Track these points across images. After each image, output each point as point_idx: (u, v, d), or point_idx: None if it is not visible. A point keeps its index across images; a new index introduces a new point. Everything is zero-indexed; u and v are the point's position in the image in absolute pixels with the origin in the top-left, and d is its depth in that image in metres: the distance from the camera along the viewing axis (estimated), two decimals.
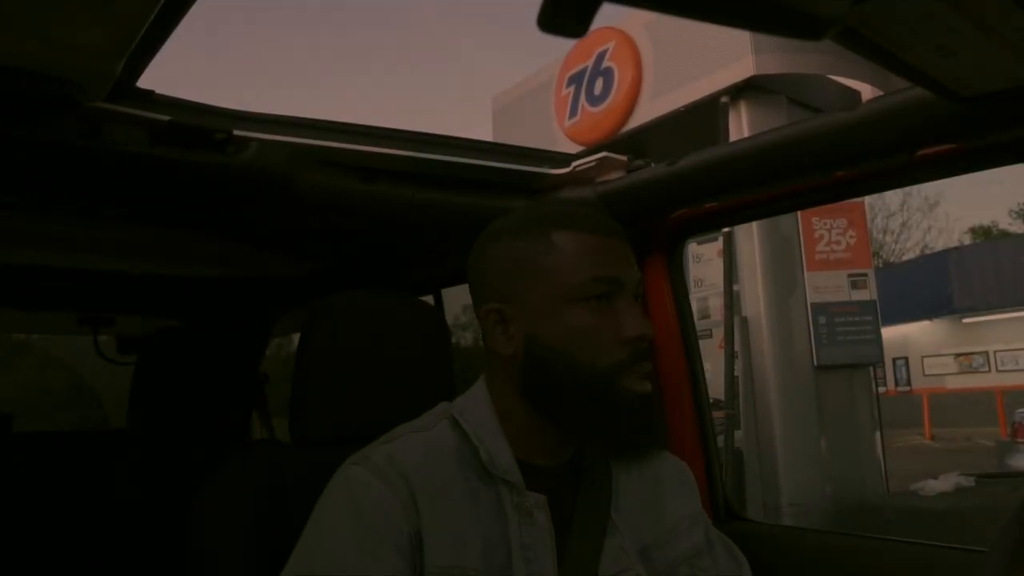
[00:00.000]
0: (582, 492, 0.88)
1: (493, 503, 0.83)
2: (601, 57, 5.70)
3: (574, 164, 1.34)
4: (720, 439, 4.39)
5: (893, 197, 25.67)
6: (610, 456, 0.92)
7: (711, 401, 1.55)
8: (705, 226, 1.46)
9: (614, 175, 1.34)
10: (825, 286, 5.11)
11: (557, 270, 0.84)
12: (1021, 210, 27.97)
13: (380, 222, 1.33)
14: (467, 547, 0.79)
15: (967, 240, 26.50)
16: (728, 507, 1.44)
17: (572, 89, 5.95)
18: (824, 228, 5.16)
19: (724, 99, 4.99)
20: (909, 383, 18.30)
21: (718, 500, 1.43)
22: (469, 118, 37.35)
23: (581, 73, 5.90)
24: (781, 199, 1.25)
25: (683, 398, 1.46)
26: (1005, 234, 25.25)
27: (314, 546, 0.77)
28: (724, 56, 4.87)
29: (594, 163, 1.31)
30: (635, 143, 5.47)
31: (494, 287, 0.87)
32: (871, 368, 5.39)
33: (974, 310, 16.74)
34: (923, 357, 18.16)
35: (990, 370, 17.11)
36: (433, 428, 0.87)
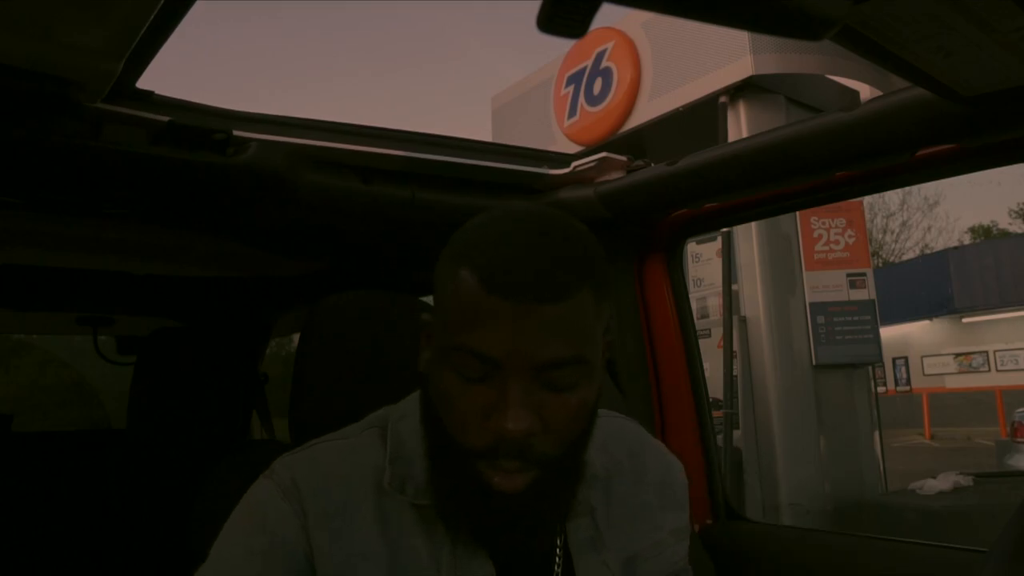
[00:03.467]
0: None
1: (418, 525, 0.74)
2: (600, 57, 5.69)
3: (574, 164, 1.34)
4: (719, 438, 4.39)
5: (893, 197, 25.73)
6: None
7: (710, 400, 1.55)
8: (705, 226, 1.46)
9: (614, 175, 1.34)
10: (824, 285, 5.11)
11: (445, 316, 0.69)
12: (1021, 210, 27.98)
13: (380, 222, 1.33)
14: (360, 573, 0.71)
15: (967, 240, 26.52)
16: (728, 507, 1.44)
17: (571, 89, 5.95)
18: (823, 228, 5.16)
19: (723, 99, 4.98)
20: (909, 382, 18.31)
21: (718, 500, 1.43)
22: (474, 118, 37.39)
23: (580, 73, 5.89)
24: (781, 199, 1.25)
25: (683, 398, 1.46)
26: (1005, 234, 25.26)
27: (215, 559, 0.73)
28: (722, 56, 4.87)
29: (594, 163, 1.32)
30: (634, 143, 5.47)
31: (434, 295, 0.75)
32: (870, 367, 5.39)
33: (974, 309, 16.75)
34: (923, 357, 18.17)
35: (990, 369, 17.12)
36: (358, 437, 0.79)
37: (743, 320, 4.87)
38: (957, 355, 17.71)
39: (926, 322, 17.64)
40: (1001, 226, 28.23)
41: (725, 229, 4.61)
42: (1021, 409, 7.77)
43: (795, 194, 1.22)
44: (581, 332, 0.67)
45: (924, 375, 18.10)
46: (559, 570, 0.78)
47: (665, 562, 0.86)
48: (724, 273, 4.76)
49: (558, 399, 0.68)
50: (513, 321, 0.65)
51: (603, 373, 0.75)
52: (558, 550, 0.79)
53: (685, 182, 1.22)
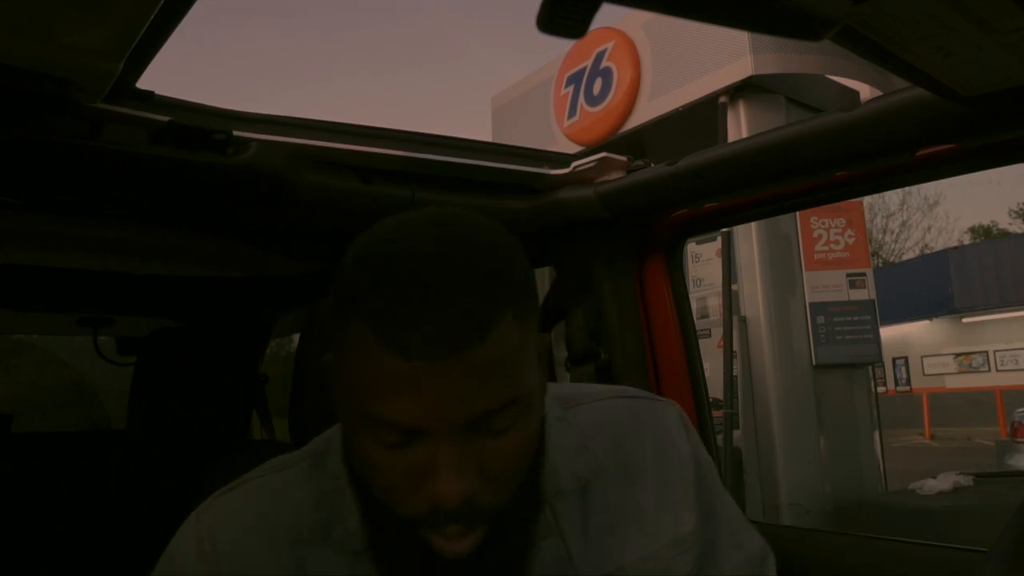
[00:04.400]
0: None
1: (351, 571, 0.67)
2: (600, 57, 5.69)
3: (574, 164, 1.35)
4: (719, 438, 4.38)
5: (893, 197, 25.79)
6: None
7: (710, 400, 1.55)
8: (705, 226, 1.46)
9: (614, 175, 1.34)
10: (824, 285, 5.11)
11: (347, 376, 0.59)
12: (1021, 210, 28.00)
13: None
14: None
15: (967, 240, 26.54)
16: None
17: (571, 89, 5.95)
18: (823, 228, 5.16)
19: (723, 99, 4.99)
20: (909, 383, 18.33)
21: None
22: (474, 118, 37.47)
23: (580, 73, 5.89)
24: (781, 199, 1.25)
25: (683, 398, 1.46)
26: (1005, 234, 25.27)
27: None
28: (722, 56, 4.87)
29: (594, 163, 1.32)
30: (634, 143, 5.47)
31: None
32: (870, 367, 5.39)
33: (974, 309, 16.76)
34: (923, 357, 18.18)
35: (990, 370, 17.14)
36: (290, 471, 0.72)
37: (743, 320, 4.88)
38: (957, 355, 17.72)
39: (926, 322, 17.66)
40: (1001, 226, 28.29)
41: (725, 229, 4.61)
42: (1021, 409, 7.77)
43: (795, 194, 1.22)
44: (510, 368, 0.57)
45: (924, 375, 18.11)
46: None
47: None
48: (724, 273, 4.76)
49: (495, 445, 0.59)
50: (429, 381, 0.54)
51: (543, 385, 0.65)
52: None
53: (685, 182, 1.22)
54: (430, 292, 0.55)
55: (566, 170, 1.35)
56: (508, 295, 0.57)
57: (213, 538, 0.69)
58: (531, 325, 0.60)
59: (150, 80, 0.92)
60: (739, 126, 4.90)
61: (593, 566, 0.72)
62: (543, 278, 1.75)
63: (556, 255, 1.53)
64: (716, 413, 4.30)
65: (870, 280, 5.24)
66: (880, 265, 22.22)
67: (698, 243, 5.38)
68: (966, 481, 4.78)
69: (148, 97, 0.97)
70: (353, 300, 0.57)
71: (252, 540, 0.69)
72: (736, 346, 4.70)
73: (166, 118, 0.98)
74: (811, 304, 5.06)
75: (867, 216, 7.30)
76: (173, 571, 0.70)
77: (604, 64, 5.67)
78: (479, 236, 0.59)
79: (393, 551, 0.64)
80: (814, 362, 5.00)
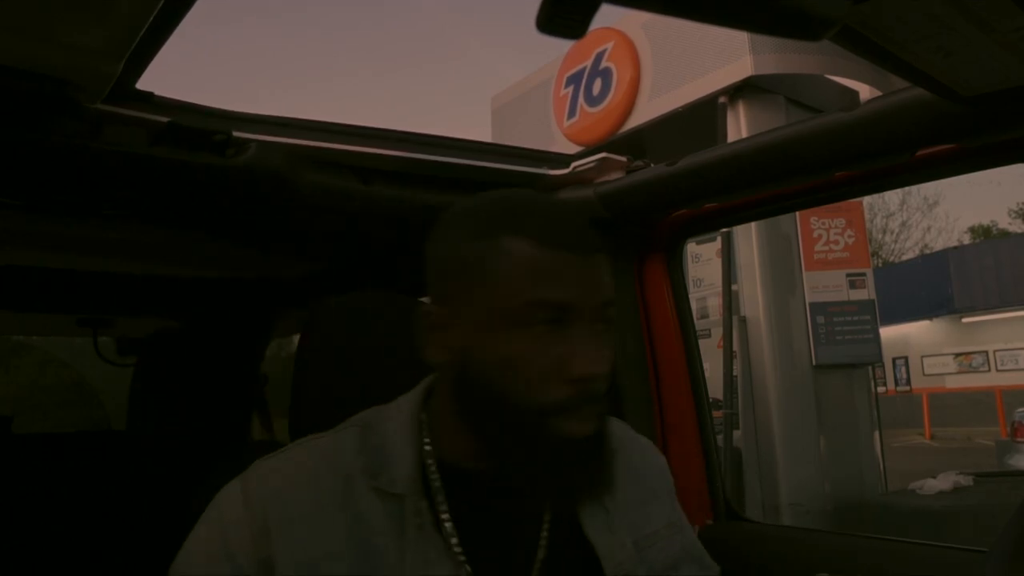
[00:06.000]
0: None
1: (388, 523, 0.75)
2: (600, 57, 5.69)
3: (573, 165, 1.35)
4: (719, 438, 4.38)
5: (893, 197, 25.77)
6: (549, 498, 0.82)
7: (710, 400, 1.55)
8: (705, 226, 1.46)
9: (613, 175, 1.34)
10: (823, 285, 5.11)
11: (499, 283, 0.72)
12: (1021, 210, 28.01)
13: (380, 223, 1.33)
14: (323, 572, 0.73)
15: (967, 240, 26.55)
16: (728, 507, 1.44)
17: (571, 89, 5.95)
18: (822, 228, 5.16)
19: (722, 99, 4.99)
20: (909, 383, 18.32)
21: (718, 500, 1.43)
22: (474, 118, 37.45)
23: (580, 73, 5.89)
24: (781, 199, 1.25)
25: (683, 398, 1.46)
26: (1005, 234, 25.28)
27: (183, 550, 0.77)
28: (722, 56, 4.87)
29: (593, 164, 1.32)
30: (634, 143, 5.47)
31: (435, 286, 0.78)
32: (870, 367, 5.39)
33: (974, 309, 16.76)
34: (923, 356, 18.17)
35: (990, 369, 17.13)
36: (335, 436, 0.81)
37: (743, 320, 4.87)
38: (957, 355, 17.71)
39: (926, 322, 17.65)
40: (1001, 226, 28.28)
41: (725, 229, 4.61)
42: (1021, 409, 7.77)
43: (795, 194, 1.22)
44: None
45: (924, 375, 18.10)
46: (539, 566, 0.80)
47: (662, 554, 0.89)
48: (724, 273, 4.76)
49: (607, 336, 0.75)
50: (576, 268, 0.72)
51: None
52: (543, 539, 0.81)
53: (685, 182, 1.22)
54: (563, 217, 0.75)
55: (566, 170, 1.35)
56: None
57: (261, 490, 0.76)
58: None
59: (150, 80, 0.92)
60: (739, 126, 4.90)
61: (627, 533, 0.86)
62: None
63: None
64: (716, 413, 4.30)
65: (870, 280, 5.23)
66: (880, 265, 22.21)
67: (698, 243, 5.38)
68: (966, 481, 4.78)
69: (148, 98, 0.97)
70: (499, 225, 0.74)
71: (303, 488, 0.76)
72: (736, 346, 4.70)
73: (166, 119, 0.98)
74: (811, 304, 5.06)
75: (867, 216, 7.31)
76: (219, 516, 0.76)
77: (604, 64, 5.66)
78: (564, 203, 0.83)
79: (521, 449, 0.73)
80: (814, 362, 4.99)
